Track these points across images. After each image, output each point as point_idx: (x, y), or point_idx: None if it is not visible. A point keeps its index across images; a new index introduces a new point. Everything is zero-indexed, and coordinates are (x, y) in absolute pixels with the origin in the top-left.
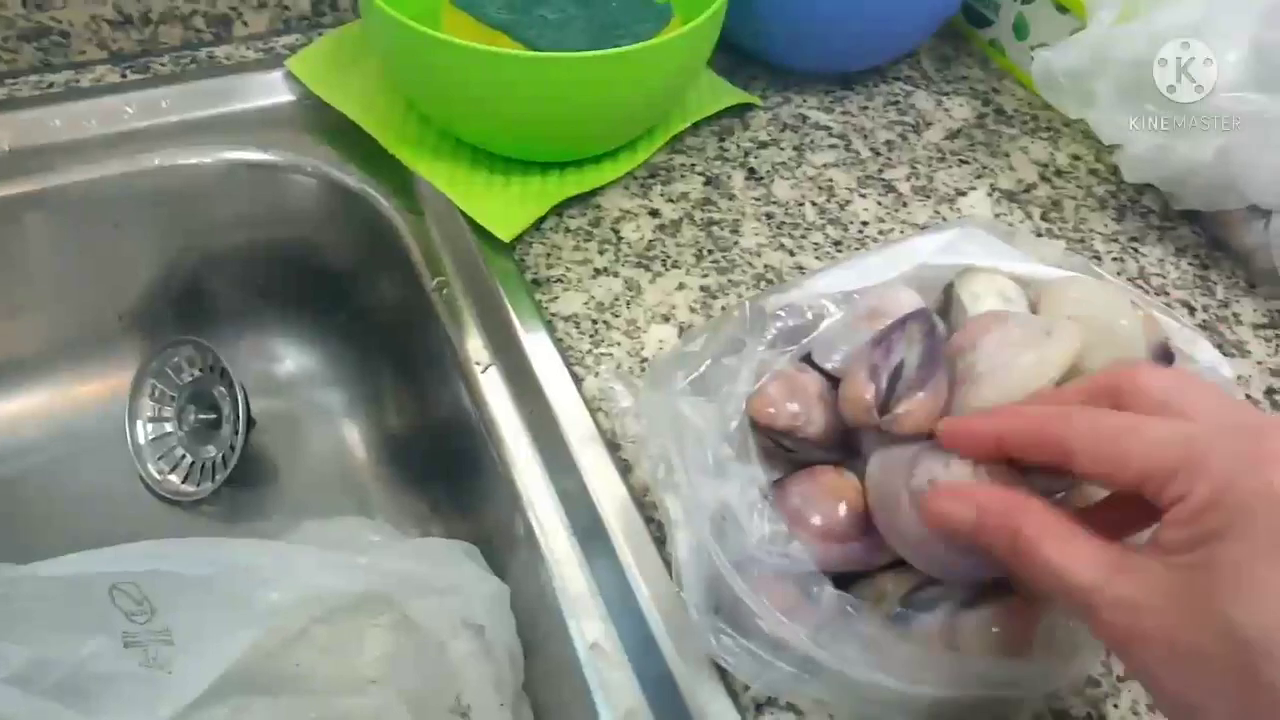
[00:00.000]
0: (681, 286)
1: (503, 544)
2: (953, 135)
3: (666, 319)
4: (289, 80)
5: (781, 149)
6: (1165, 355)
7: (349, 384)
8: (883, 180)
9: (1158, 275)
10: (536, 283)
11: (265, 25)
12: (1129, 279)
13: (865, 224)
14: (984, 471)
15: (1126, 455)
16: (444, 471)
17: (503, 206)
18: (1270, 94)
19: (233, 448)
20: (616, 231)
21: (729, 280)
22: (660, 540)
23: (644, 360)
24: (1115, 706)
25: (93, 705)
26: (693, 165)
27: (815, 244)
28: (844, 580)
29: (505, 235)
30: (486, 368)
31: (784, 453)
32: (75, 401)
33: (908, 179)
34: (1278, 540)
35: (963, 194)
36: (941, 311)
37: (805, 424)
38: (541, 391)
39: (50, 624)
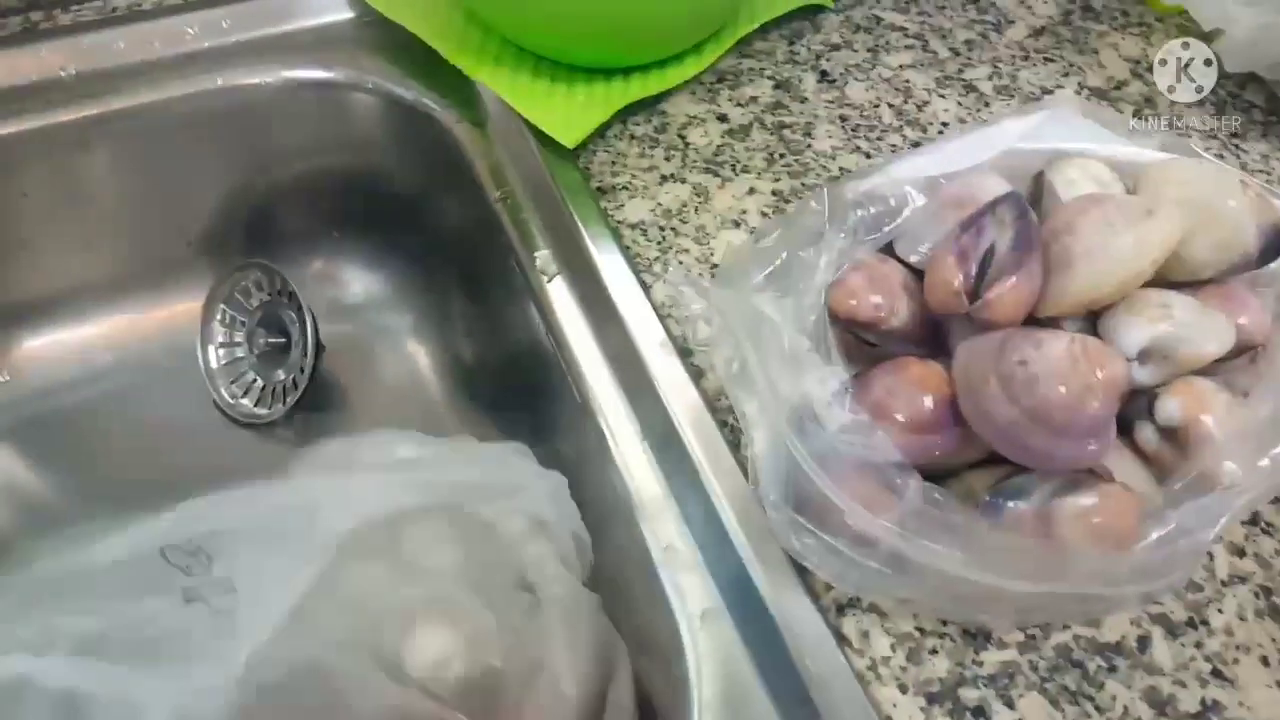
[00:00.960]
0: (752, 191)
1: (573, 453)
2: (1036, 33)
3: (737, 224)
4: None
5: (855, 51)
6: (1276, 237)
7: (416, 306)
8: (963, 80)
9: (1262, 172)
10: (602, 190)
11: None
12: None
13: (945, 125)
14: (1078, 348)
15: None
16: (514, 388)
17: (566, 113)
18: None
19: (302, 370)
20: (683, 137)
21: (802, 184)
22: (734, 444)
23: (713, 266)
24: (1220, 612)
25: (164, 663)
26: (762, 69)
27: (893, 145)
28: (929, 479)
29: (569, 141)
30: (553, 277)
31: (865, 346)
32: (146, 328)
33: (989, 78)
34: None
35: (1049, 92)
36: (1032, 200)
37: (888, 315)
38: (610, 299)
39: (110, 594)
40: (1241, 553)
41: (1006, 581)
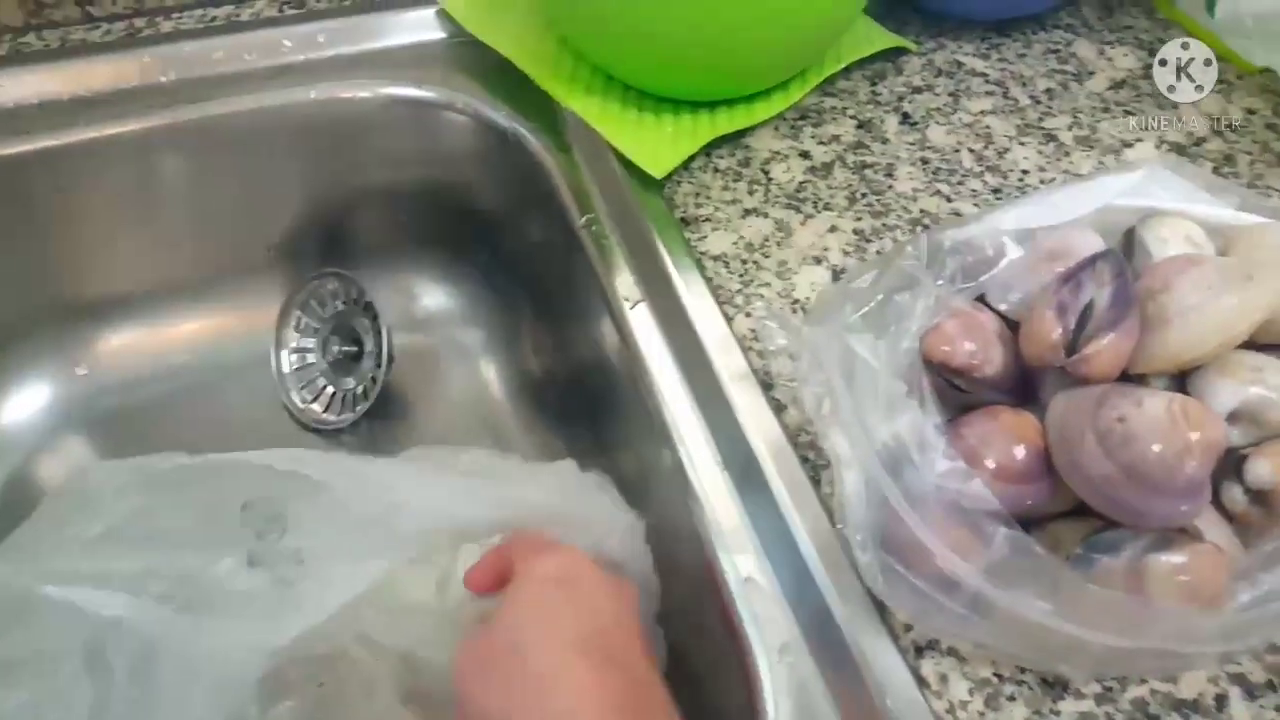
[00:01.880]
0: (834, 229)
1: (643, 479)
2: (1117, 85)
3: (819, 261)
4: (441, 18)
5: (936, 94)
6: None
7: (489, 323)
8: (1043, 129)
9: None
10: (685, 221)
11: None
12: None
13: (1025, 172)
14: (1177, 408)
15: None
16: (582, 409)
17: (654, 144)
18: None
19: (374, 380)
20: (766, 172)
21: (883, 224)
22: (815, 479)
23: (795, 301)
24: None
25: (216, 618)
26: (844, 108)
27: (973, 191)
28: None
29: (657, 172)
30: (636, 304)
31: (956, 392)
32: (223, 329)
33: (1069, 128)
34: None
35: (1129, 145)
36: (1124, 256)
37: (982, 363)
38: (692, 328)
39: (184, 544)
40: None
41: (1091, 633)
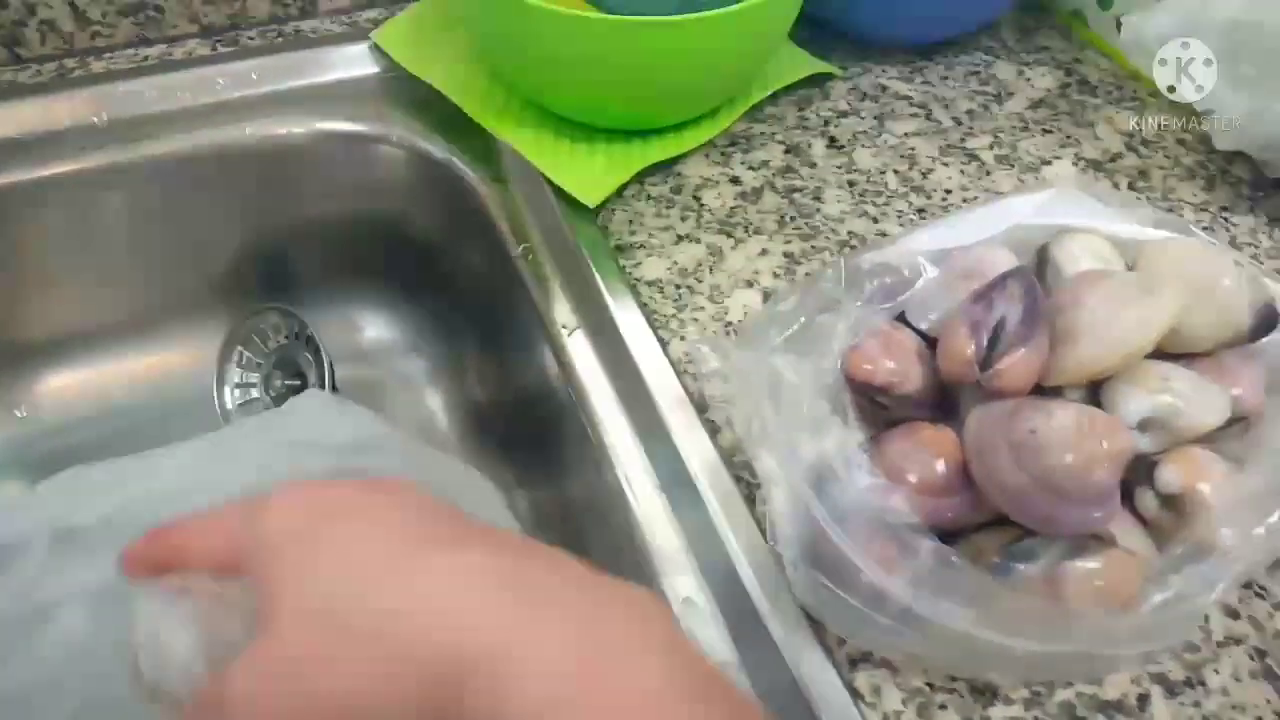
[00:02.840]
0: (764, 253)
1: (589, 505)
2: (1035, 105)
3: (750, 284)
4: (374, 53)
5: (862, 118)
6: (1269, 315)
7: (432, 353)
8: (965, 149)
9: (1250, 245)
10: (620, 249)
11: None
12: None
13: (949, 192)
14: (1085, 419)
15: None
16: (528, 438)
17: (587, 173)
18: None
19: None
20: (698, 198)
21: (812, 246)
22: (750, 499)
23: (728, 324)
24: (1216, 673)
25: None
26: (773, 134)
27: (899, 211)
28: (940, 540)
29: (591, 201)
30: (573, 331)
31: (878, 410)
32: (164, 367)
33: (991, 148)
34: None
35: (1047, 163)
36: (1035, 273)
37: (902, 381)
38: (628, 354)
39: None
40: (1236, 615)
41: (1014, 640)
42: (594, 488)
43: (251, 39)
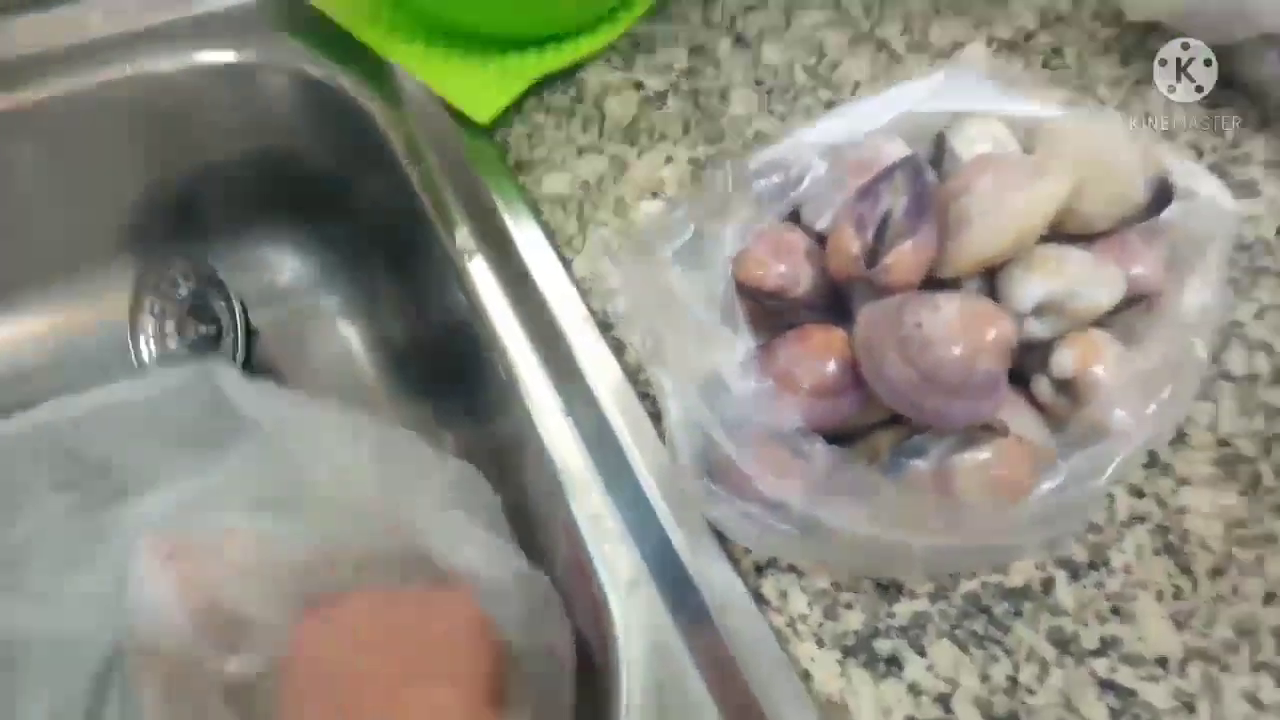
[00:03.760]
0: (670, 160)
1: (508, 437)
2: None
3: (655, 195)
4: None
5: (769, 11)
6: (1164, 189)
7: (344, 287)
8: (875, 38)
9: (1164, 118)
10: (520, 165)
11: None
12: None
13: (859, 84)
14: (969, 309)
15: None
16: (446, 369)
17: (480, 88)
18: None
19: (235, 358)
20: (599, 108)
21: (719, 150)
22: (655, 416)
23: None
24: (1120, 551)
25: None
26: (676, 34)
27: (807, 107)
28: (837, 442)
29: (483, 117)
30: (473, 256)
31: (773, 315)
32: (75, 324)
33: (902, 35)
34: None
35: (960, 46)
36: (934, 161)
37: (793, 284)
38: (529, 276)
39: None
40: (1140, 494)
41: (910, 537)
42: (509, 419)
43: None
